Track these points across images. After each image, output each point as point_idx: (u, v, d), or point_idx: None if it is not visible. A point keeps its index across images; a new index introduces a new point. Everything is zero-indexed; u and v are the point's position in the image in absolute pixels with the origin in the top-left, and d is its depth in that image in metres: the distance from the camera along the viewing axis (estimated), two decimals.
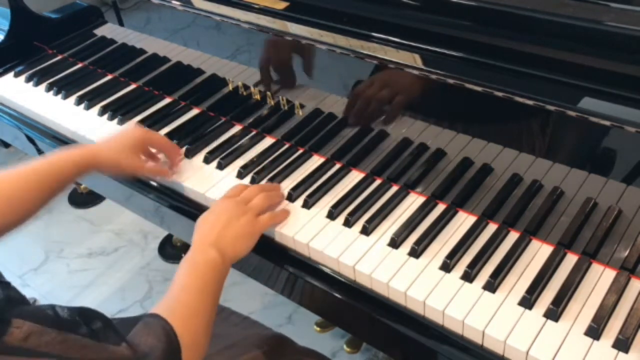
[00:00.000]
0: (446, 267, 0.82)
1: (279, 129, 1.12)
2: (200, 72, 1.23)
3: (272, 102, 1.13)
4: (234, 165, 1.06)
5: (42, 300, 1.86)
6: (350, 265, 0.85)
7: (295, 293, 0.94)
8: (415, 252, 0.85)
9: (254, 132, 1.13)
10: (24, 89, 1.34)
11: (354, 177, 1.00)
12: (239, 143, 1.10)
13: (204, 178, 1.04)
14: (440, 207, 0.92)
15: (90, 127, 1.20)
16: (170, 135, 1.14)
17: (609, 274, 0.79)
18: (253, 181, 1.02)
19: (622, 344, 0.71)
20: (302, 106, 1.09)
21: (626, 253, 0.80)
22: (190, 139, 1.12)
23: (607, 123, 0.74)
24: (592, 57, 0.76)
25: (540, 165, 0.86)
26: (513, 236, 0.86)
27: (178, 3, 1.14)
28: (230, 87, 1.18)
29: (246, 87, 1.16)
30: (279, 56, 1.07)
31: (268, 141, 1.11)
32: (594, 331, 0.72)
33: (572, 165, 0.83)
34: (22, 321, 0.57)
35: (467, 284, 0.80)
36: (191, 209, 1.02)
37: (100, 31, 1.42)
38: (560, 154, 0.84)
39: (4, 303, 0.61)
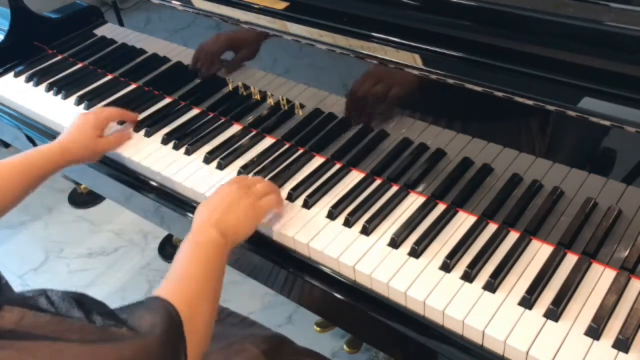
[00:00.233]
0: (446, 267, 0.82)
1: (279, 129, 1.12)
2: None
3: (272, 102, 1.13)
4: (234, 165, 1.06)
5: None
6: (350, 265, 0.85)
7: (295, 293, 0.94)
8: (415, 252, 0.85)
9: (254, 132, 1.13)
10: (24, 89, 1.34)
11: (354, 177, 1.00)
12: (239, 143, 1.10)
13: (204, 178, 1.04)
14: (440, 207, 0.92)
15: None
16: (170, 135, 1.14)
17: (609, 274, 0.79)
18: None
19: (622, 344, 0.71)
20: (302, 106, 1.09)
21: (626, 253, 0.80)
22: (191, 139, 1.12)
23: (607, 123, 0.74)
24: (592, 57, 0.76)
25: (540, 165, 0.86)
26: (513, 236, 0.86)
27: (178, 3, 1.14)
28: (230, 87, 1.18)
29: (246, 87, 1.16)
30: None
31: (268, 141, 1.11)
32: (594, 331, 0.72)
33: (572, 165, 0.83)
34: (11, 307, 0.54)
35: (467, 284, 0.80)
36: (191, 209, 1.02)
37: (100, 31, 1.42)
38: (560, 154, 0.84)
39: None
